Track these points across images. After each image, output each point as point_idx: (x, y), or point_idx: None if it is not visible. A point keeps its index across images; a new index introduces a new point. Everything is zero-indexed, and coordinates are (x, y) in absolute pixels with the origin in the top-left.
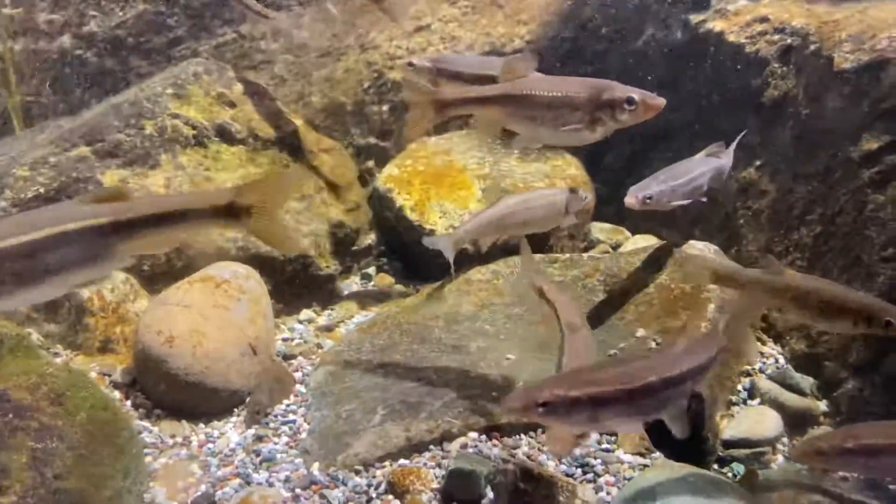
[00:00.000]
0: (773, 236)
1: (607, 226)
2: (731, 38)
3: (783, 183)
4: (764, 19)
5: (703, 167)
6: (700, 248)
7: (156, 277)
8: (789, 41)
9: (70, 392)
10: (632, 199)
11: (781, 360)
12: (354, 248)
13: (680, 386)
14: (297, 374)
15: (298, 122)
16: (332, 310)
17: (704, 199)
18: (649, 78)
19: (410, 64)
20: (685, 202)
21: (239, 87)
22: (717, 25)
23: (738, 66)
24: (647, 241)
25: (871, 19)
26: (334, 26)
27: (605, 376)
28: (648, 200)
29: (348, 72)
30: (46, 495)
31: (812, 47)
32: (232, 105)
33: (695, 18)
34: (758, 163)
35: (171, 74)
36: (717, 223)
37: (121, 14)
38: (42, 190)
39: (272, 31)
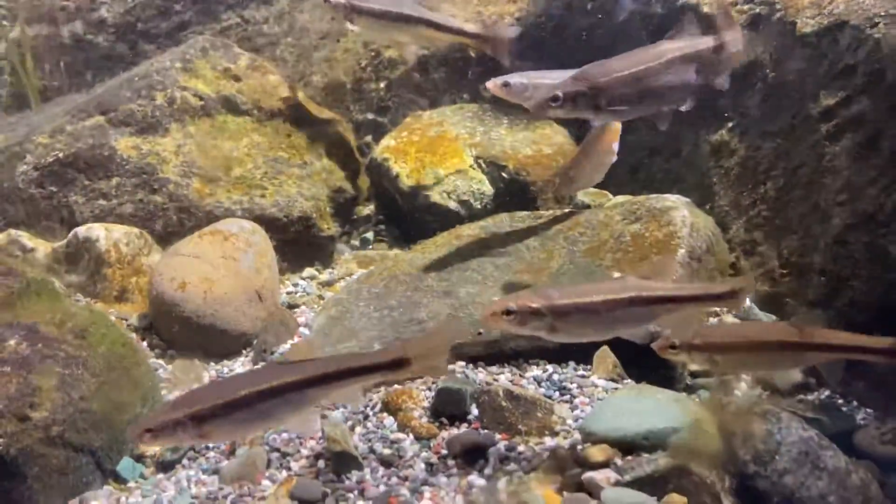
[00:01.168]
0: (741, 191)
1: (592, 189)
2: (706, 9)
3: (751, 142)
4: None
5: (563, 74)
6: (673, 201)
7: (168, 235)
8: (758, 10)
9: (92, 328)
10: (491, 84)
11: (747, 301)
12: (354, 216)
13: None
14: (301, 319)
15: (300, 94)
16: (332, 269)
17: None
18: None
19: (326, 0)
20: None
21: (244, 62)
22: None
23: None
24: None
25: None
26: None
27: None
28: (506, 87)
29: (347, 52)
30: (74, 413)
31: (778, 14)
32: (237, 79)
33: None
34: (729, 125)
35: (180, 50)
36: (693, 182)
37: (130, 1)
38: (61, 155)
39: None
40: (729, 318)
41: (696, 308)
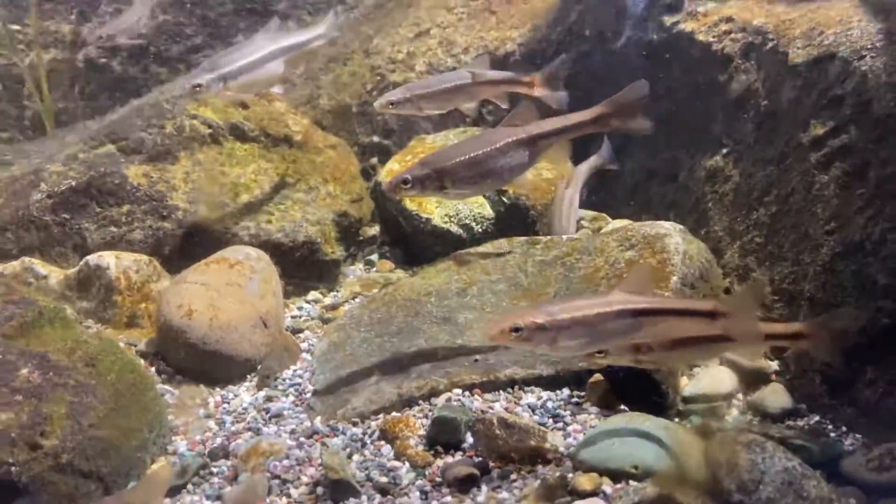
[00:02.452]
0: (735, 217)
1: (590, 213)
2: (701, 37)
3: (745, 168)
4: (729, 19)
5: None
6: (667, 228)
7: (176, 262)
8: (751, 39)
9: (101, 356)
10: (377, 104)
11: None
12: (359, 238)
13: None
14: (304, 345)
15: (305, 121)
16: (336, 292)
17: (469, 117)
18: (628, 76)
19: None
20: (438, 111)
21: None
22: (688, 26)
23: (707, 63)
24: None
25: (821, 17)
26: (341, 34)
27: None
28: (391, 105)
29: (354, 75)
30: (83, 440)
31: (770, 44)
32: (244, 106)
33: (668, 20)
34: (724, 151)
35: (188, 78)
36: (689, 207)
37: (142, 26)
38: (74, 183)
39: None
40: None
41: (681, 321)
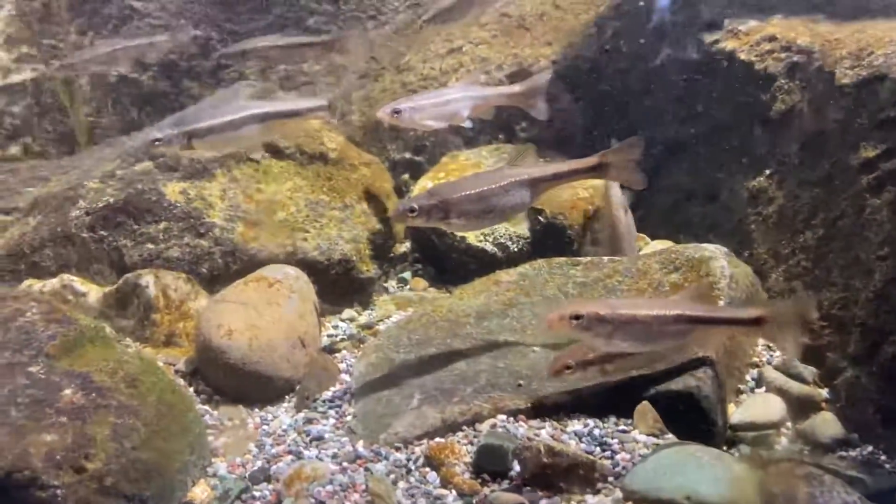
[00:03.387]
0: (780, 239)
1: None
2: (742, 56)
3: (790, 190)
4: (772, 38)
5: (463, 92)
6: (712, 251)
7: (214, 279)
8: (795, 58)
9: (142, 377)
10: (381, 113)
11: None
12: (390, 255)
13: None
14: (342, 366)
15: (340, 138)
16: (371, 310)
17: (468, 125)
18: (666, 94)
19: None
20: (439, 124)
21: None
22: (729, 44)
23: (748, 82)
24: (665, 246)
25: (869, 37)
26: (372, 50)
27: None
28: (396, 115)
29: (385, 91)
30: (126, 463)
31: (816, 64)
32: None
33: (708, 38)
34: (767, 172)
35: (224, 96)
36: (730, 228)
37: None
38: (111, 200)
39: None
40: (770, 372)
41: (726, 331)
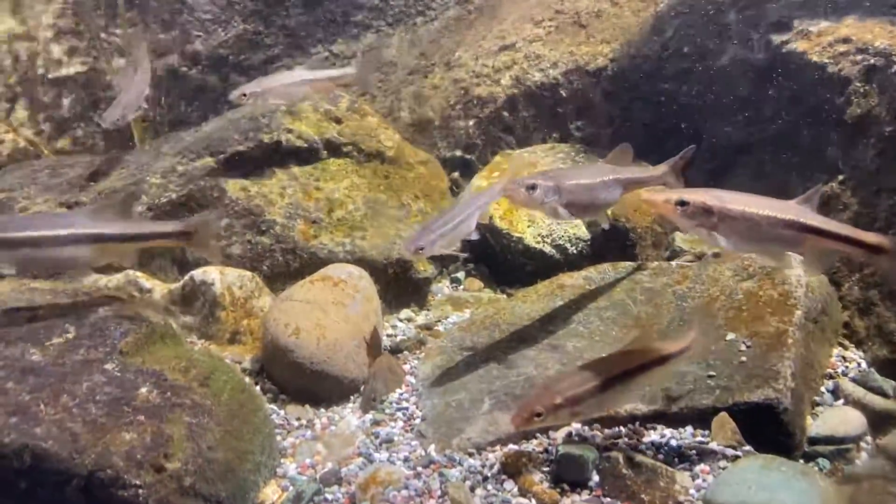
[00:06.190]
0: None
1: (689, 237)
2: (814, 57)
3: (865, 196)
4: (846, 40)
5: (467, 209)
6: (787, 259)
7: (275, 277)
8: (872, 61)
9: (214, 375)
10: (404, 250)
11: (864, 364)
12: (442, 255)
13: None
14: (406, 367)
15: (396, 136)
16: (428, 310)
17: (476, 237)
18: (731, 96)
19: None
20: (454, 247)
21: (344, 104)
22: (799, 46)
23: (820, 85)
24: None
25: None
26: (421, 45)
27: None
28: (420, 251)
29: (435, 88)
30: (203, 463)
31: (895, 67)
32: (338, 121)
33: (777, 39)
34: (840, 177)
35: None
36: None
37: (223, 34)
38: (174, 196)
39: (363, 50)
40: (848, 385)
41: (840, 247)
